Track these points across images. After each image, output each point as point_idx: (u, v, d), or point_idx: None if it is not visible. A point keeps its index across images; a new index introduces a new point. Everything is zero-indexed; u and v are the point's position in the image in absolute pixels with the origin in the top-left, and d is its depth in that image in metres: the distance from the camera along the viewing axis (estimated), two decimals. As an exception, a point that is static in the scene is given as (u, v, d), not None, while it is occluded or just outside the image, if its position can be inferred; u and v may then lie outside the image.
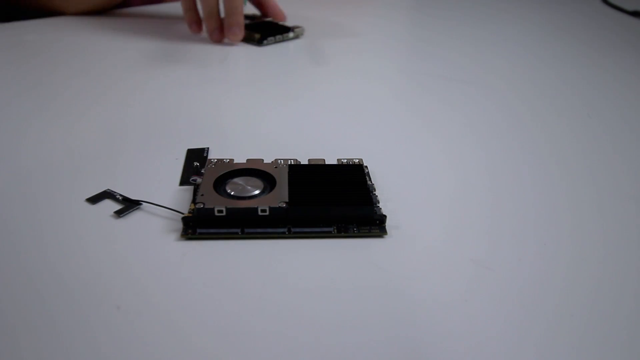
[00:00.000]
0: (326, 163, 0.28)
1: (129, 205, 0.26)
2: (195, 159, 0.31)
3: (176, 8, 0.61)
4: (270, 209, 0.24)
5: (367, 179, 0.27)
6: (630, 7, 0.63)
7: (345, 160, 0.29)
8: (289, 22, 0.57)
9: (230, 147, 0.32)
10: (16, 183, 0.28)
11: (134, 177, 0.29)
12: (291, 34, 0.53)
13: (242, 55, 0.48)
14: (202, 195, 0.25)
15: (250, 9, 0.59)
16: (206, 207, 0.24)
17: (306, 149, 0.32)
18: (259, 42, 0.51)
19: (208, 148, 0.32)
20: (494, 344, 0.20)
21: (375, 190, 0.27)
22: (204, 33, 0.52)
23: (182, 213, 0.25)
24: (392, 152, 0.32)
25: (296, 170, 0.27)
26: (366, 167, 0.29)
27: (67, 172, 0.29)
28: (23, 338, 0.19)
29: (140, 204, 0.26)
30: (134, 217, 0.26)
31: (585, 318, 0.21)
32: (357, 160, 0.29)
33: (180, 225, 0.25)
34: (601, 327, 0.20)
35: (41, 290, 0.21)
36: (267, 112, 0.37)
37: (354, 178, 0.27)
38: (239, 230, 0.24)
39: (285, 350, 0.19)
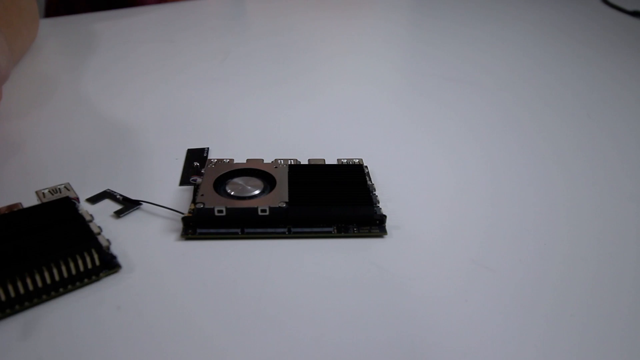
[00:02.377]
0: (326, 163, 0.28)
1: (129, 205, 0.26)
2: (195, 159, 0.31)
3: (176, 8, 0.61)
4: (270, 209, 0.24)
5: (367, 179, 0.27)
6: (630, 7, 0.63)
7: (345, 160, 0.29)
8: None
9: (230, 147, 0.32)
10: (16, 183, 0.28)
11: (134, 177, 0.29)
12: None
13: (243, 55, 0.48)
14: (202, 195, 0.25)
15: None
16: (206, 207, 0.24)
17: (306, 149, 0.32)
18: None
19: (208, 148, 0.32)
20: (493, 344, 0.20)
21: (375, 190, 0.27)
22: None
23: (182, 213, 0.25)
24: (392, 152, 0.32)
25: (296, 170, 0.27)
26: (366, 167, 0.29)
27: (67, 172, 0.29)
28: (22, 338, 0.19)
29: (140, 204, 0.26)
30: (134, 217, 0.26)
31: (585, 318, 0.21)
32: (357, 160, 0.29)
33: (180, 225, 0.25)
34: (601, 327, 0.20)
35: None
36: (267, 112, 0.37)
37: (354, 178, 0.27)
38: (239, 230, 0.24)
39: (285, 350, 0.19)
